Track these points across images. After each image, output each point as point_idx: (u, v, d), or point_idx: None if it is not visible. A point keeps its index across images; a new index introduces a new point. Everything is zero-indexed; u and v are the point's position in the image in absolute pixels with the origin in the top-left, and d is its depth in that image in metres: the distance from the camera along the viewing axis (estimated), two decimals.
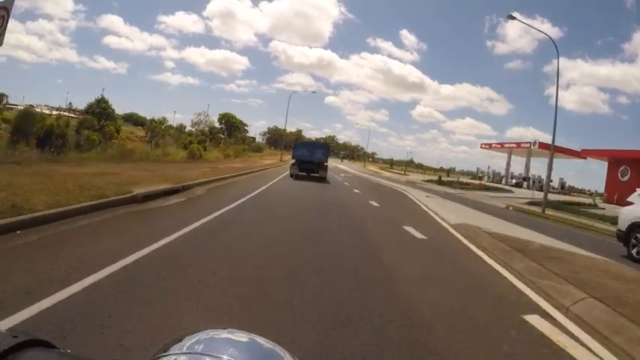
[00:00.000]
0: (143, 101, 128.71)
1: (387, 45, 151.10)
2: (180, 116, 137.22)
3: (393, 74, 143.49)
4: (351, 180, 25.94)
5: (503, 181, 47.99)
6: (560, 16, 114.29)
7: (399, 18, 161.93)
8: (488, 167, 63.11)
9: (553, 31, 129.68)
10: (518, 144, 47.10)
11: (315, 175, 19.68)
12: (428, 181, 38.92)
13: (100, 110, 24.64)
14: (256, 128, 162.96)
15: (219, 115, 60.56)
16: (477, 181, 43.94)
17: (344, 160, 56.23)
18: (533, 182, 40.53)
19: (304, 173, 19.51)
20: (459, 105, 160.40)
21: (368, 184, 24.04)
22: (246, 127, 69.07)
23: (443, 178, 41.69)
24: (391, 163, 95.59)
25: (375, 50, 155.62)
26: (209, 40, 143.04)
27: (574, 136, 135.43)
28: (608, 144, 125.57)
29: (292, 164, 20.14)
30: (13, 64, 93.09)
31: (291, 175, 19.36)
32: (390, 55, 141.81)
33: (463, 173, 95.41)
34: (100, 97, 26.05)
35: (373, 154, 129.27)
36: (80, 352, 0.57)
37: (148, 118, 34.06)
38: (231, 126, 59.29)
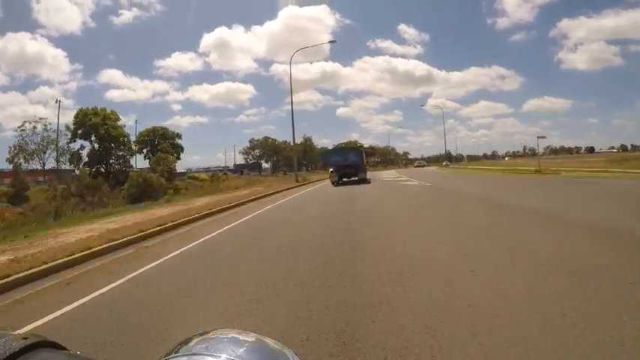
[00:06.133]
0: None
1: (387, 44, 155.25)
2: (197, 157, 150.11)
3: (399, 72, 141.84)
4: None
5: None
6: None
7: (395, 13, 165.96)
8: None
9: None
10: None
11: (355, 179, 20.36)
12: None
13: None
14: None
15: (75, 115, 28.98)
16: None
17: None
18: None
19: (345, 179, 20.49)
20: (470, 90, 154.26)
21: None
22: (177, 140, 39.57)
23: None
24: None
25: (376, 52, 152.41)
26: (210, 75, 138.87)
27: (594, 96, 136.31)
28: (633, 95, 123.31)
29: (331, 172, 20.85)
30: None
31: (333, 183, 20.23)
32: (393, 54, 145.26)
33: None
34: None
35: (406, 154, 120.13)
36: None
37: None
38: (102, 137, 27.28)
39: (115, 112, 29.28)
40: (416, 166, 77.35)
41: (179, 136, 39.85)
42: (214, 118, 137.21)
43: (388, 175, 34.55)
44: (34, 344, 0.43)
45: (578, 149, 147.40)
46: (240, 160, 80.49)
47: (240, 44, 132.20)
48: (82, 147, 28.54)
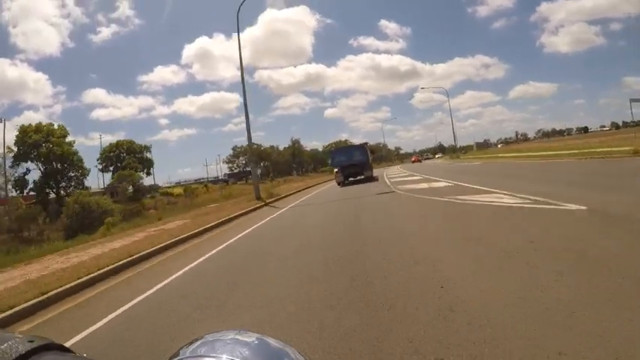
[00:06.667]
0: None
1: (369, 41, 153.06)
2: (189, 169, 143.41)
3: (384, 68, 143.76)
4: None
5: None
6: None
7: (375, 8, 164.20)
8: None
9: None
10: None
11: (361, 177, 19.84)
12: None
13: None
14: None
15: (17, 133, 23.95)
16: None
17: None
18: None
19: (351, 178, 20.28)
20: (455, 81, 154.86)
21: None
22: (145, 153, 36.83)
23: None
24: None
25: (359, 50, 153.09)
26: (194, 87, 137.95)
27: (579, 77, 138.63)
28: (617, 73, 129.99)
29: (336, 172, 20.64)
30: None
31: (338, 183, 20.17)
32: (376, 51, 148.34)
33: None
34: None
35: (398, 149, 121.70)
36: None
37: None
38: (46, 156, 22.86)
39: (63, 126, 25.20)
40: (413, 161, 66.17)
41: (148, 148, 36.18)
42: (202, 129, 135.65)
43: (396, 174, 23.70)
44: (40, 347, 0.43)
45: (569, 131, 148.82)
46: (225, 169, 77.15)
47: (222, 53, 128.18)
48: (28, 170, 24.89)
